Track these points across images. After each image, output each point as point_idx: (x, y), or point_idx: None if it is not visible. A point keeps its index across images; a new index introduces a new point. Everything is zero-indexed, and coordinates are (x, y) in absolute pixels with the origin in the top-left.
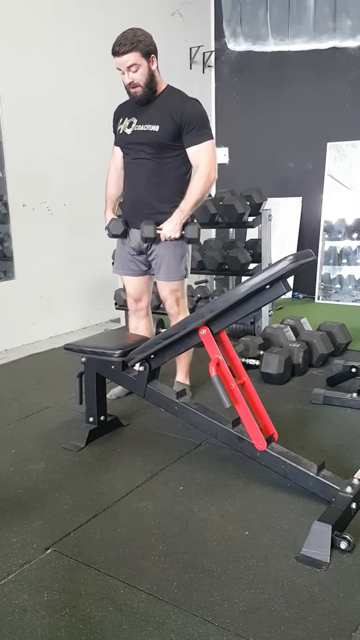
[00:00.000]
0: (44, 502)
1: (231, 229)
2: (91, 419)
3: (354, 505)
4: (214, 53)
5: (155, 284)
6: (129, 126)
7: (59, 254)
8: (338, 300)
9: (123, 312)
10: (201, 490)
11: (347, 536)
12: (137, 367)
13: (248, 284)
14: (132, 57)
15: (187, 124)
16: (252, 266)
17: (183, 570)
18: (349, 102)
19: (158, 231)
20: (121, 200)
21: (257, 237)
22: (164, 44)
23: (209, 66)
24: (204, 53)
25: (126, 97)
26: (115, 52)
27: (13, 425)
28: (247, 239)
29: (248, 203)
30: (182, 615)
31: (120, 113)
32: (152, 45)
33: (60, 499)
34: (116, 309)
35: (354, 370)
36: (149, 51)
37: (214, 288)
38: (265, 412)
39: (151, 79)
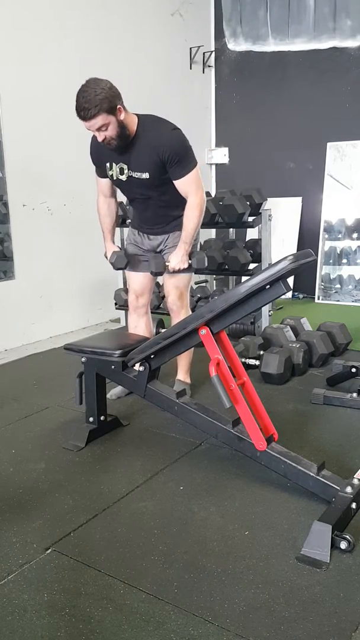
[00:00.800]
0: (44, 502)
1: (231, 229)
2: (91, 419)
3: (354, 505)
4: (214, 53)
5: (157, 284)
6: (122, 172)
7: (59, 254)
8: (338, 300)
9: (123, 312)
10: (201, 490)
11: (347, 536)
12: (137, 367)
13: (248, 284)
14: (100, 119)
15: (170, 160)
16: (252, 266)
17: (183, 570)
18: (349, 102)
19: (167, 263)
20: (128, 207)
21: (257, 237)
22: (164, 44)
23: (209, 66)
24: (204, 53)
25: None
26: (81, 117)
27: (13, 425)
28: (247, 239)
29: (248, 203)
30: (182, 615)
31: (104, 156)
32: (115, 95)
33: (60, 499)
34: (116, 309)
35: (354, 370)
36: (113, 106)
37: (214, 288)
38: (265, 412)
39: (122, 128)
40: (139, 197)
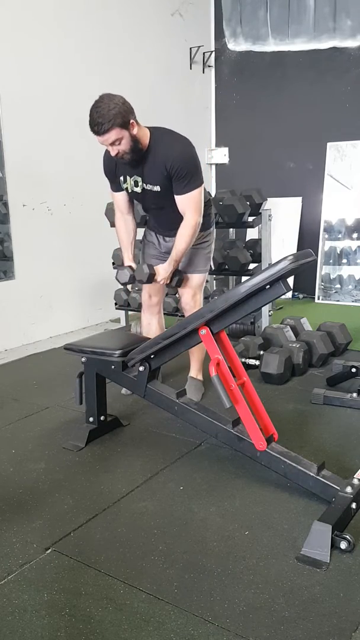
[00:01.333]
0: (44, 502)
1: (231, 229)
2: (91, 419)
3: (354, 505)
4: (214, 53)
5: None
6: (136, 185)
7: (59, 254)
8: (338, 300)
9: (123, 312)
10: (201, 490)
11: (347, 536)
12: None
13: (248, 284)
14: (113, 134)
15: (176, 175)
16: (252, 266)
17: (183, 570)
18: (349, 102)
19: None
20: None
21: (257, 237)
22: (164, 44)
23: (209, 66)
24: (204, 53)
25: None
26: (95, 132)
27: (13, 425)
28: (247, 239)
29: (248, 203)
30: (182, 615)
31: (117, 170)
32: (128, 110)
33: (60, 499)
34: (116, 309)
35: (354, 370)
36: (126, 120)
37: (214, 288)
38: (265, 412)
39: (135, 142)
40: (153, 207)
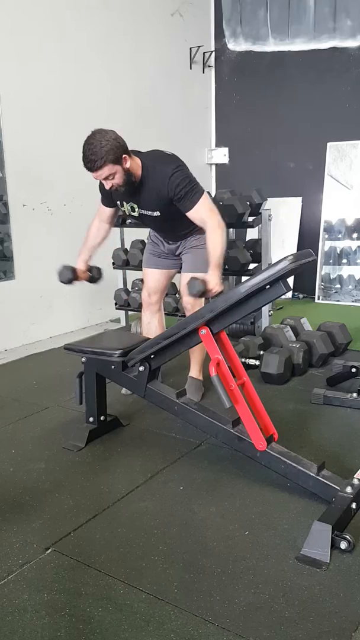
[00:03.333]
0: (44, 502)
1: (231, 229)
2: (91, 419)
3: (354, 505)
4: (214, 53)
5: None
6: (133, 210)
7: (59, 254)
8: (338, 300)
9: (123, 312)
10: (201, 490)
11: (347, 536)
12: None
13: (248, 284)
14: (106, 170)
15: (177, 198)
16: (252, 266)
17: (183, 570)
18: (349, 102)
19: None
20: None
21: (257, 237)
22: (164, 44)
23: (209, 66)
24: (204, 53)
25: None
26: (88, 169)
27: (13, 425)
28: (247, 239)
29: (248, 203)
30: (182, 615)
31: (114, 195)
32: (119, 145)
33: (60, 499)
34: (116, 309)
35: (354, 370)
36: (118, 156)
37: None
38: (265, 412)
39: (128, 176)
40: (154, 226)
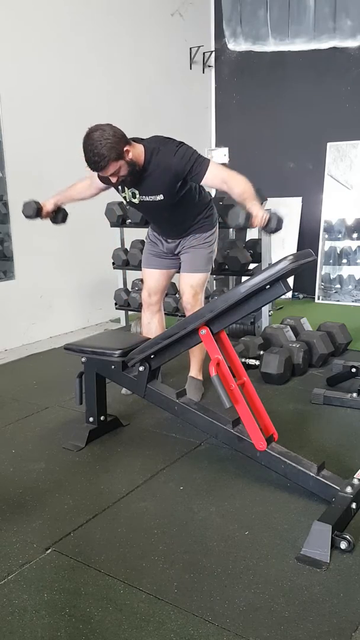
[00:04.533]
0: (44, 502)
1: (231, 229)
2: (91, 419)
3: (354, 505)
4: (214, 53)
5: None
6: (134, 197)
7: (59, 254)
8: (338, 300)
9: (123, 312)
10: (201, 490)
11: (347, 536)
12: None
13: (248, 284)
14: (111, 168)
15: (189, 171)
16: (252, 266)
17: (183, 570)
18: (349, 102)
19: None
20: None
21: (257, 237)
22: (164, 44)
23: (209, 66)
24: (204, 53)
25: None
26: (92, 169)
27: (13, 425)
28: (247, 239)
29: None
30: (182, 615)
31: (119, 183)
32: (119, 139)
33: (60, 499)
34: (116, 309)
35: (354, 370)
36: (120, 151)
37: (214, 288)
38: (265, 412)
39: (132, 166)
40: (152, 216)
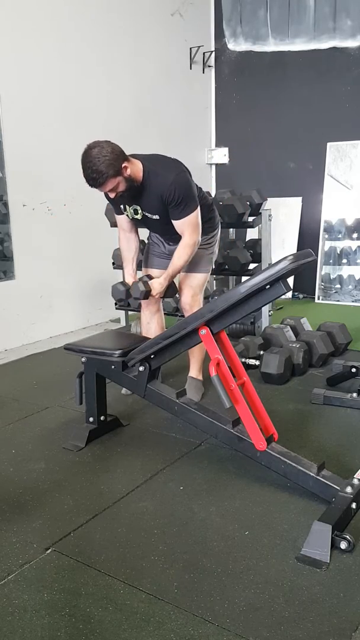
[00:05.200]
0: (44, 502)
1: (231, 229)
2: (91, 419)
3: (354, 505)
4: (214, 53)
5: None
6: (136, 213)
7: (59, 254)
8: (338, 300)
9: (123, 312)
10: (201, 490)
11: (347, 536)
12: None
13: (248, 284)
14: (109, 184)
15: (172, 203)
16: (252, 266)
17: (183, 570)
18: (349, 102)
19: (146, 290)
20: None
21: (257, 237)
22: (164, 44)
23: (209, 66)
24: (204, 53)
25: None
26: (91, 185)
27: (13, 425)
28: (247, 239)
29: (248, 203)
30: (182, 615)
31: (117, 199)
32: (117, 156)
33: (60, 499)
34: (116, 309)
35: (354, 370)
36: (117, 168)
37: (214, 288)
38: (265, 412)
39: (130, 182)
40: (156, 229)
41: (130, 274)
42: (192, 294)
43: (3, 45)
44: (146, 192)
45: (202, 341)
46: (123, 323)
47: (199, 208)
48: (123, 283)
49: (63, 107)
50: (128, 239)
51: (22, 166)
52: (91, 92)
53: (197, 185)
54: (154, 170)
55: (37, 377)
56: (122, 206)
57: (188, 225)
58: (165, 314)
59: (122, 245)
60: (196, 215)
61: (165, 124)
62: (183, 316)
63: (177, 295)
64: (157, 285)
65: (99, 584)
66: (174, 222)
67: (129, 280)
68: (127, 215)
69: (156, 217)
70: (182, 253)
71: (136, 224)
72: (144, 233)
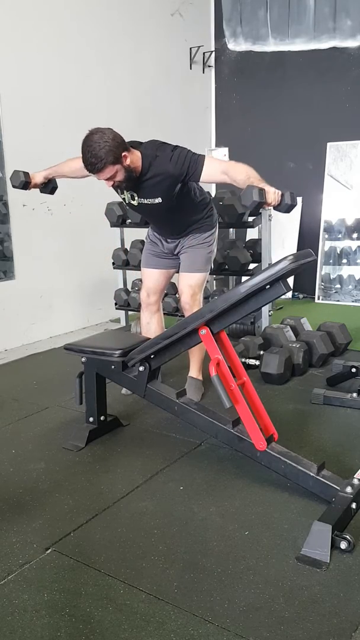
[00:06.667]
0: (44, 502)
1: (231, 229)
2: (91, 419)
3: (354, 505)
4: (214, 53)
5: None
6: (133, 199)
7: (59, 254)
8: (338, 300)
9: (123, 312)
10: (201, 490)
11: (347, 536)
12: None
13: (248, 284)
14: (107, 171)
15: (185, 174)
16: (252, 266)
17: (183, 570)
18: (349, 102)
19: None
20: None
21: (257, 237)
22: (164, 44)
23: (209, 66)
24: (204, 53)
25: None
26: (89, 171)
27: (13, 425)
28: (247, 239)
29: None
30: (182, 615)
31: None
32: (118, 144)
33: (60, 499)
34: (116, 309)
35: (354, 370)
36: (118, 156)
37: (214, 288)
38: (265, 412)
39: (129, 172)
40: (152, 217)
41: (44, 176)
42: (192, 294)
43: (3, 45)
44: (147, 179)
45: (202, 341)
46: (123, 323)
47: (205, 155)
48: (27, 175)
49: (63, 107)
50: (80, 170)
51: (22, 166)
52: (91, 92)
53: (197, 185)
54: (153, 155)
55: (37, 377)
56: (119, 189)
57: (214, 165)
58: (165, 314)
59: (72, 164)
60: (209, 157)
61: (165, 124)
62: (183, 316)
63: (177, 295)
64: (269, 187)
65: (99, 584)
66: (205, 177)
67: (38, 178)
68: (125, 199)
69: (158, 200)
70: (243, 170)
71: (131, 214)
72: (142, 233)
